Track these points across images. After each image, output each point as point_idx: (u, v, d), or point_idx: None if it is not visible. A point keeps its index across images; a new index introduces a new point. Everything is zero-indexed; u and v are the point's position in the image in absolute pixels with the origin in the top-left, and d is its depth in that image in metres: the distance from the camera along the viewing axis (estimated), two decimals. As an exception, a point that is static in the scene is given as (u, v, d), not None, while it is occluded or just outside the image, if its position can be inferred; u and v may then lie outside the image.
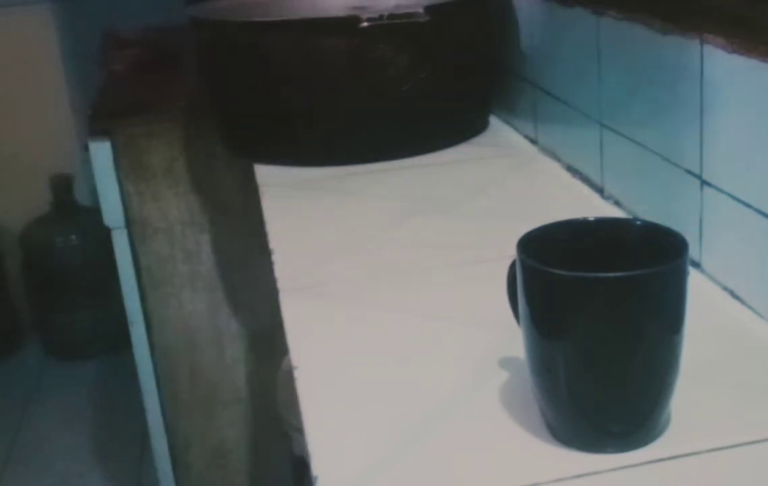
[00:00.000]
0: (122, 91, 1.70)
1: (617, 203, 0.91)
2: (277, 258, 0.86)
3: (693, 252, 0.75)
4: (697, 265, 0.75)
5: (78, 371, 2.54)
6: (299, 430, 0.62)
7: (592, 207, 0.92)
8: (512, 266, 0.57)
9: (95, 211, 1.60)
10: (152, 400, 1.61)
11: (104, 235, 1.53)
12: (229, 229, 1.55)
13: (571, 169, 1.02)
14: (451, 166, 1.10)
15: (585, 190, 0.97)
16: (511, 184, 1.04)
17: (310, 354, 0.69)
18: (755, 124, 0.66)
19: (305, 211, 1.00)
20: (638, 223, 0.60)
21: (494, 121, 1.26)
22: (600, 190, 0.95)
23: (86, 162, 1.58)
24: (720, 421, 0.56)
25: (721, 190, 0.72)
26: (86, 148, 1.49)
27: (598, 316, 0.51)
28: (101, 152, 1.47)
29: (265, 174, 1.11)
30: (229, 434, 1.66)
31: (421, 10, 1.06)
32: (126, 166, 1.49)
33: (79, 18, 2.57)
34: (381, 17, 1.05)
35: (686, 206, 0.76)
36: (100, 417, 2.34)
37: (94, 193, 1.63)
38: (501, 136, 1.21)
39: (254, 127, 1.16)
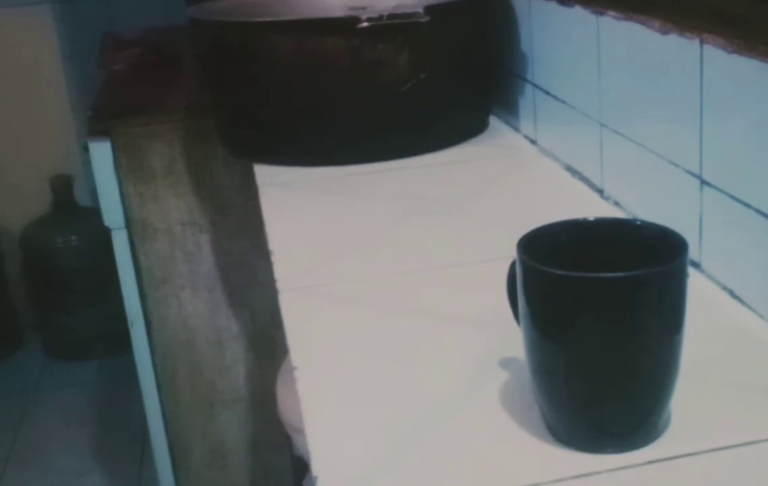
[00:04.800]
0: (122, 91, 1.70)
1: (617, 203, 0.91)
2: (277, 258, 0.86)
3: (693, 252, 0.75)
4: (697, 265, 0.75)
5: (78, 371, 2.54)
6: (299, 430, 0.62)
7: (592, 207, 0.92)
8: (512, 266, 0.57)
9: (95, 212, 1.60)
10: (152, 400, 1.61)
11: (104, 235, 1.53)
12: (229, 229, 1.55)
13: (571, 169, 1.02)
14: (451, 166, 1.10)
15: (585, 190, 0.97)
16: (511, 184, 1.04)
17: (310, 354, 0.69)
18: (755, 124, 0.66)
19: (305, 211, 1.00)
20: (638, 223, 0.60)
21: (494, 121, 1.26)
22: (600, 190, 0.95)
23: (86, 162, 1.58)
24: (720, 421, 0.56)
25: (721, 190, 0.72)
26: (86, 148, 1.49)
27: (598, 316, 0.51)
28: (101, 152, 1.47)
29: (265, 174, 1.11)
30: (229, 434, 1.66)
31: (421, 10, 1.06)
32: (126, 166, 1.49)
33: (79, 18, 2.57)
34: (381, 17, 1.05)
35: (686, 206, 0.76)
36: (100, 417, 2.34)
37: (94, 193, 1.64)
38: (501, 136, 1.21)
39: (254, 127, 1.16)
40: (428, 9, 1.06)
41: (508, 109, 1.22)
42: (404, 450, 0.56)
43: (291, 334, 0.72)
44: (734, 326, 0.68)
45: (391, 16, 1.05)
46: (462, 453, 0.56)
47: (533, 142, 1.14)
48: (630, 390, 0.53)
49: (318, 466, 0.55)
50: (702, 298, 0.71)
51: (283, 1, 1.27)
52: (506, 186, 1.03)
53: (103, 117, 1.50)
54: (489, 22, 1.21)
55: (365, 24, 1.04)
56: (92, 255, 2.48)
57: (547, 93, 1.07)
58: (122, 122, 1.48)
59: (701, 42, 0.72)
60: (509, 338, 0.60)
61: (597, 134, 0.94)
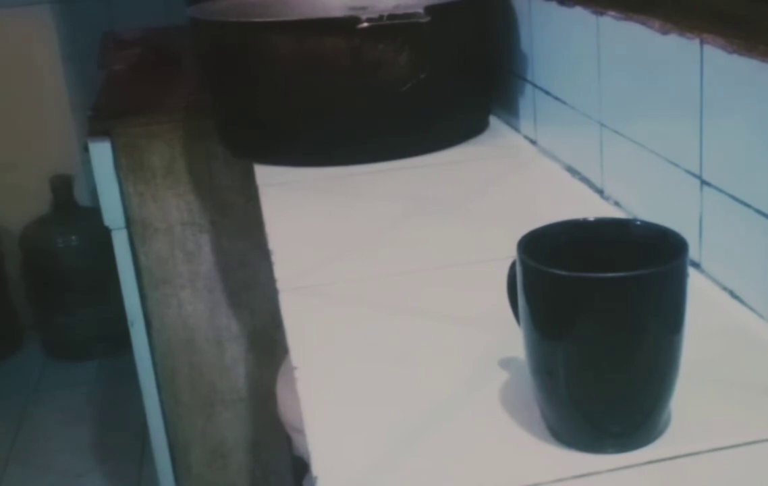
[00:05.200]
0: (122, 91, 1.70)
1: (617, 203, 0.91)
2: (277, 258, 0.86)
3: (693, 252, 0.75)
4: (697, 265, 0.75)
5: (78, 371, 2.54)
6: (299, 430, 0.62)
7: (592, 207, 0.92)
8: (512, 266, 0.57)
9: (95, 212, 1.60)
10: (152, 401, 1.61)
11: (104, 235, 1.53)
12: (229, 229, 1.55)
13: (571, 170, 1.02)
14: (451, 166, 1.10)
15: (585, 190, 0.97)
16: (511, 184, 1.04)
17: (310, 354, 0.69)
18: (755, 124, 0.66)
19: (305, 211, 1.00)
20: (638, 223, 0.60)
21: (494, 121, 1.26)
22: (600, 190, 0.95)
23: (86, 162, 1.58)
24: (720, 421, 0.56)
25: (721, 190, 0.72)
26: (86, 148, 1.49)
27: (599, 316, 0.51)
28: (101, 152, 1.47)
29: (265, 174, 1.11)
30: (229, 434, 1.66)
31: (421, 10, 1.06)
32: (126, 166, 1.49)
33: (79, 18, 2.57)
34: (381, 17, 1.05)
35: (686, 206, 0.76)
36: (100, 417, 2.34)
37: (94, 193, 1.64)
38: (501, 136, 1.21)
39: (254, 127, 1.16)
40: (428, 9, 1.06)
41: (508, 109, 1.22)
42: (404, 450, 0.56)
43: (291, 334, 0.72)
44: (734, 326, 0.68)
45: (391, 16, 1.05)
46: (462, 453, 0.56)
47: (533, 142, 1.14)
48: (630, 390, 0.53)
49: (318, 466, 0.55)
50: (702, 298, 0.71)
51: (283, 1, 1.27)
52: (506, 186, 1.03)
53: (103, 117, 1.50)
54: (489, 22, 1.21)
55: (365, 24, 1.04)
56: (92, 255, 2.48)
57: (547, 93, 1.07)
58: (122, 122, 1.48)
59: (701, 42, 0.72)
60: (509, 338, 0.60)
61: (597, 134, 0.94)
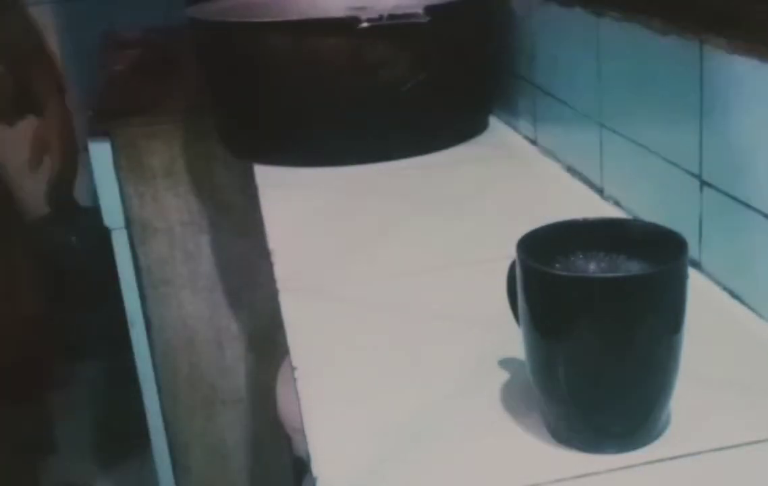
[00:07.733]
0: (122, 92, 1.70)
1: (617, 203, 0.91)
2: (277, 258, 0.86)
3: (693, 252, 0.75)
4: (697, 265, 0.75)
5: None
6: (299, 430, 0.62)
7: (592, 207, 0.92)
8: (512, 266, 0.57)
9: (95, 212, 1.60)
10: (152, 401, 1.61)
11: (104, 235, 1.53)
12: (229, 229, 1.55)
13: (571, 170, 1.02)
14: (451, 166, 1.10)
15: (585, 190, 0.97)
16: (511, 184, 1.04)
17: (310, 354, 0.69)
18: (755, 125, 0.66)
19: (305, 211, 1.00)
20: (638, 223, 0.60)
21: (494, 121, 1.26)
22: (600, 190, 0.95)
23: (86, 162, 1.58)
24: (720, 421, 0.56)
25: (721, 191, 0.72)
26: (86, 149, 1.49)
27: (598, 316, 0.51)
28: (101, 152, 1.47)
29: (265, 174, 1.11)
30: (229, 434, 1.66)
31: (421, 11, 1.06)
32: (126, 166, 1.49)
33: (79, 18, 2.56)
34: (381, 18, 1.05)
35: (686, 206, 0.76)
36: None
37: (94, 193, 1.63)
38: (501, 136, 1.21)
39: (254, 127, 1.16)
40: (428, 9, 1.06)
41: (508, 109, 1.22)
42: (404, 450, 0.56)
43: (291, 334, 0.72)
44: (734, 326, 0.68)
45: (391, 16, 1.05)
46: (462, 453, 0.56)
47: (533, 142, 1.14)
48: (630, 390, 0.53)
49: (318, 466, 0.55)
50: (702, 298, 0.71)
51: (283, 1, 1.27)
52: (506, 186, 1.03)
53: (102, 117, 1.50)
54: (489, 22, 1.21)
55: (365, 24, 1.04)
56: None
57: (547, 93, 1.07)
58: (122, 122, 1.48)
59: (701, 42, 0.72)
60: (509, 338, 0.60)
61: (597, 134, 0.94)
